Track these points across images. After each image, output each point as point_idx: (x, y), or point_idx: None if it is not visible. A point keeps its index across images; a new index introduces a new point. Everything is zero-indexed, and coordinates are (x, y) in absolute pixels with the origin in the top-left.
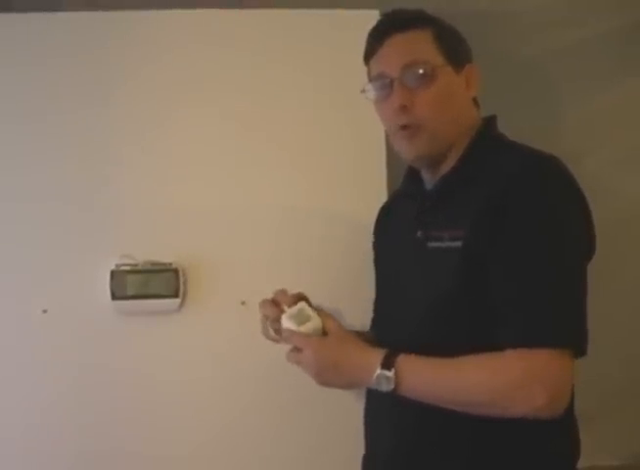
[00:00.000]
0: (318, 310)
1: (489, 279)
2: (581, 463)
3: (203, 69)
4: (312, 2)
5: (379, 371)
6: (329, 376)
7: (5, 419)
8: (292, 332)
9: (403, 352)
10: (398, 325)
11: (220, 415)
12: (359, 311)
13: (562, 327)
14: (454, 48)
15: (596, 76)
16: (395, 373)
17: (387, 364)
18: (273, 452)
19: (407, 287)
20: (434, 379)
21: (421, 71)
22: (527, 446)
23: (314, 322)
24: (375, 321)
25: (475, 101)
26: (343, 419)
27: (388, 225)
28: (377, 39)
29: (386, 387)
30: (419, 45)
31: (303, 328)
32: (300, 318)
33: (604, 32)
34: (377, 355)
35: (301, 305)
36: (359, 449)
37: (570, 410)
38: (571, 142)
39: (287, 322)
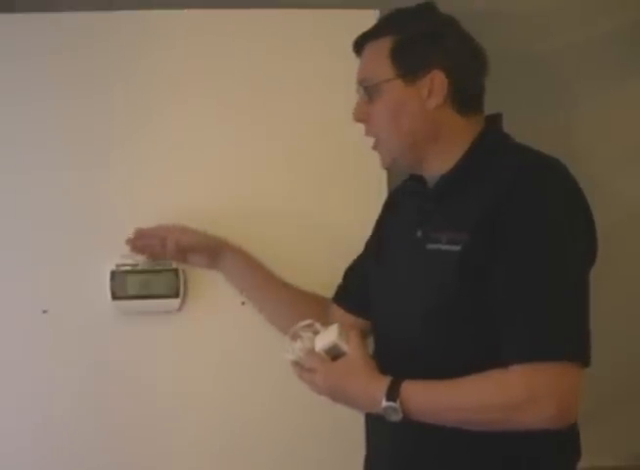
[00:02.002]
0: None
1: (489, 286)
2: (581, 464)
3: (203, 70)
4: (313, 1)
5: (385, 403)
6: (340, 401)
7: (5, 419)
8: (313, 353)
9: (406, 354)
10: (398, 325)
11: (220, 415)
12: None
13: (565, 340)
14: (413, 58)
15: (600, 77)
16: (401, 403)
17: (391, 396)
18: (273, 451)
19: (405, 287)
20: (442, 403)
21: (367, 88)
22: (527, 450)
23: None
24: (374, 319)
25: (470, 103)
26: (346, 419)
27: (391, 220)
28: (355, 50)
29: (395, 417)
30: (371, 59)
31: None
32: (332, 351)
33: (607, 33)
34: (382, 387)
35: (334, 336)
36: (362, 450)
37: None
38: (573, 142)
39: (319, 344)
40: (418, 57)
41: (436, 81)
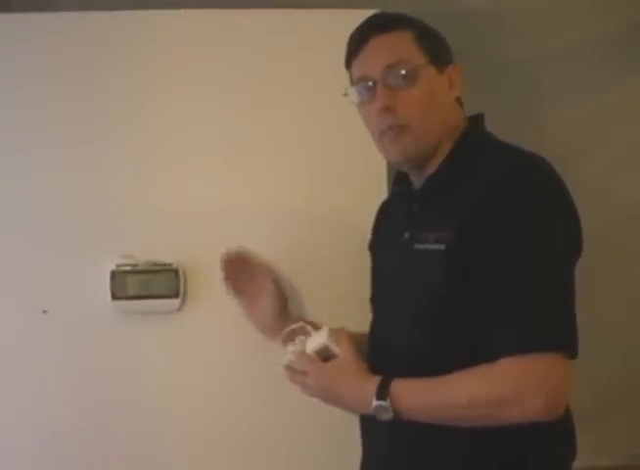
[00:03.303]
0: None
1: (475, 282)
2: (578, 464)
3: (203, 69)
4: (310, 1)
5: (375, 403)
6: (331, 403)
7: (5, 419)
8: (304, 356)
9: (399, 355)
10: (391, 327)
11: (219, 415)
12: (358, 312)
13: (552, 332)
14: (435, 49)
15: (589, 79)
16: (391, 401)
17: (381, 394)
18: (271, 451)
19: (397, 289)
20: (432, 401)
21: (403, 72)
22: (522, 449)
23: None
24: (371, 322)
25: (459, 101)
26: (345, 421)
27: (383, 226)
28: (358, 42)
29: (386, 416)
30: (400, 46)
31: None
32: (323, 353)
33: (597, 34)
34: (372, 386)
35: (324, 338)
36: (359, 454)
37: (566, 412)
38: (562, 144)
39: (310, 346)
40: (438, 49)
41: (455, 74)
